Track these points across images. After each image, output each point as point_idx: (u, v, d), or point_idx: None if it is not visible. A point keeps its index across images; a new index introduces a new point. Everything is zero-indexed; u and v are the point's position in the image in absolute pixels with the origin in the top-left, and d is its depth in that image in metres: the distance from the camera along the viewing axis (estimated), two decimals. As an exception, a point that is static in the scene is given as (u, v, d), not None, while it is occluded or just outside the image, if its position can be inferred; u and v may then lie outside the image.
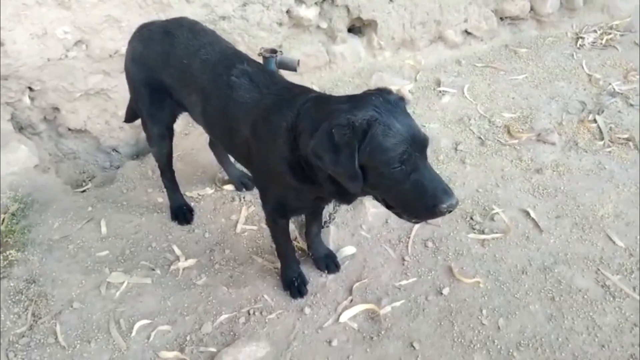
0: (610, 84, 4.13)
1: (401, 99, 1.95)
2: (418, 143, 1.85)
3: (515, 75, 4.32)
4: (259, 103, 2.19)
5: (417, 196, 1.83)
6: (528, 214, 3.06)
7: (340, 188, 1.97)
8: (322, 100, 2.05)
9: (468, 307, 2.58)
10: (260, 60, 2.89)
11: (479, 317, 2.54)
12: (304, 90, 2.19)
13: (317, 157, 1.88)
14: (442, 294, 2.65)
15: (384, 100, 1.87)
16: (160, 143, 2.81)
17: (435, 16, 4.38)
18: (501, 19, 4.77)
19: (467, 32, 4.63)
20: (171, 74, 2.47)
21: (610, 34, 4.76)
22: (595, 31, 4.82)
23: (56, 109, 3.46)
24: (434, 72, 4.36)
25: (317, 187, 2.08)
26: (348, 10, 4.05)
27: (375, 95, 1.90)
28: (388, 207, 2.00)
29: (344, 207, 3.04)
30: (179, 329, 2.50)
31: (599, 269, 2.74)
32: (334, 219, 2.90)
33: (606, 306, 2.57)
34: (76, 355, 2.37)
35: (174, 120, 2.77)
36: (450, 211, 1.86)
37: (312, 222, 2.69)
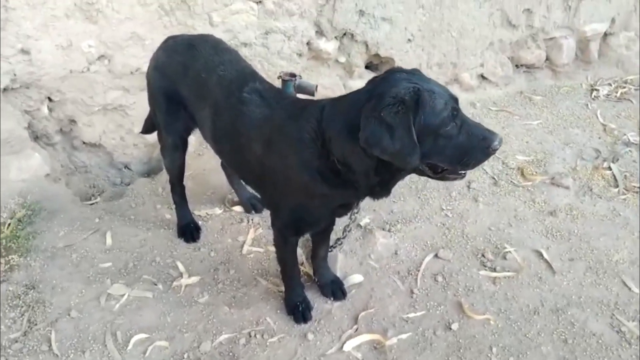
0: (625, 134, 4.14)
1: (416, 69, 2.00)
2: (454, 98, 1.92)
3: (530, 121, 4.34)
4: (270, 118, 2.20)
5: (472, 144, 1.90)
6: (541, 254, 3.00)
7: (385, 177, 2.00)
8: (340, 101, 2.06)
9: (477, 344, 2.49)
10: (278, 83, 2.93)
11: (489, 354, 2.44)
12: (312, 101, 2.21)
13: (373, 145, 1.86)
14: (450, 329, 2.56)
15: (407, 73, 1.93)
16: (173, 154, 2.81)
17: (452, 59, 4.45)
18: (517, 66, 4.84)
19: (482, 77, 4.69)
20: (188, 85, 2.50)
21: (624, 87, 4.81)
22: (609, 84, 4.88)
23: (73, 121, 3.48)
24: (448, 113, 4.37)
25: (348, 191, 2.09)
26: (367, 46, 4.12)
27: (395, 73, 1.95)
28: (432, 174, 2.01)
29: (352, 236, 3.01)
30: (177, 346, 2.42)
31: (613, 314, 2.65)
32: (341, 244, 2.84)
33: (622, 352, 2.46)
34: (69, 365, 2.29)
35: (189, 133, 2.77)
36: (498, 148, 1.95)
37: (319, 245, 2.65)
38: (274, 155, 2.19)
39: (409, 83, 1.85)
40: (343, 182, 2.05)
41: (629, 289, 2.80)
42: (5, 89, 3.14)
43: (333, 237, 2.72)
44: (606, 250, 3.04)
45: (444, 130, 1.86)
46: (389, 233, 3.09)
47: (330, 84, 4.19)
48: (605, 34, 5.04)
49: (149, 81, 2.70)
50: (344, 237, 2.80)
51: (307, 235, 2.81)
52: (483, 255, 2.99)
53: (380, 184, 2.07)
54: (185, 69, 2.51)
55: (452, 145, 1.90)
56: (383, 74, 2.02)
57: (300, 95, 2.95)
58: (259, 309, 2.61)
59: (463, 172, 2.04)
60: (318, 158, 2.03)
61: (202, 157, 3.68)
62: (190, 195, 3.10)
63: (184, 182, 3.02)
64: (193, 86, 2.50)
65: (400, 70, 1.99)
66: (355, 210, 2.52)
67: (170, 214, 3.15)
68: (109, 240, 2.94)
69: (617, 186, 3.57)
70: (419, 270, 2.87)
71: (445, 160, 1.95)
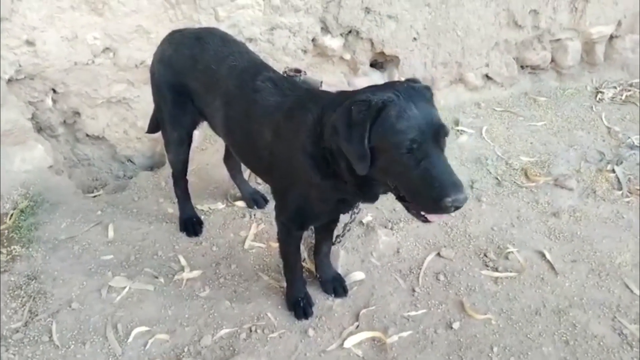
0: (629, 137, 4.11)
1: (427, 88, 1.93)
2: (434, 131, 1.79)
3: (534, 122, 4.32)
4: (281, 105, 2.20)
5: (425, 186, 1.74)
6: (543, 255, 2.99)
7: (358, 179, 1.94)
8: (347, 91, 2.08)
9: (478, 344, 2.48)
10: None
11: (490, 354, 2.44)
12: (325, 91, 2.22)
13: (335, 131, 1.88)
14: (452, 328, 2.55)
15: (408, 87, 1.87)
16: (177, 149, 2.80)
17: (457, 58, 4.44)
18: (522, 67, 4.82)
19: (487, 77, 4.67)
20: (197, 78, 2.49)
21: (629, 91, 4.78)
22: (615, 87, 4.85)
23: (77, 113, 3.49)
24: (452, 112, 4.37)
25: (340, 184, 2.05)
26: (372, 44, 4.10)
27: (400, 82, 1.93)
28: (399, 198, 1.93)
29: (355, 233, 3.00)
30: (177, 339, 2.42)
31: (615, 317, 2.64)
32: (340, 242, 2.83)
33: (623, 355, 2.45)
34: (69, 356, 2.29)
35: (194, 127, 2.76)
36: (458, 207, 1.73)
37: (322, 241, 2.64)
38: (281, 140, 2.19)
39: (393, 94, 1.80)
40: (333, 173, 2.03)
41: (631, 291, 2.78)
42: (9, 80, 3.15)
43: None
44: (609, 253, 3.02)
45: (397, 154, 1.76)
46: (391, 231, 3.08)
47: (335, 81, 4.18)
48: (611, 37, 5.01)
49: (154, 75, 2.69)
50: (342, 235, 2.79)
51: (310, 232, 2.81)
52: (485, 255, 2.98)
53: (360, 187, 2.01)
54: (194, 61, 2.50)
55: (405, 177, 1.79)
56: (398, 81, 2.01)
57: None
58: (260, 304, 2.60)
59: (423, 214, 1.86)
60: (313, 143, 2.03)
61: (205, 151, 3.68)
62: (192, 190, 3.10)
63: (187, 177, 3.01)
64: (203, 78, 2.49)
65: (412, 81, 1.94)
66: (356, 211, 2.51)
67: (172, 208, 3.15)
68: (111, 233, 2.94)
69: (620, 189, 3.55)
70: (420, 269, 2.86)
71: (400, 189, 1.86)
